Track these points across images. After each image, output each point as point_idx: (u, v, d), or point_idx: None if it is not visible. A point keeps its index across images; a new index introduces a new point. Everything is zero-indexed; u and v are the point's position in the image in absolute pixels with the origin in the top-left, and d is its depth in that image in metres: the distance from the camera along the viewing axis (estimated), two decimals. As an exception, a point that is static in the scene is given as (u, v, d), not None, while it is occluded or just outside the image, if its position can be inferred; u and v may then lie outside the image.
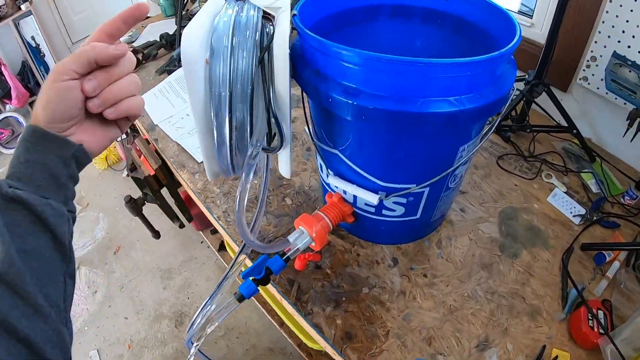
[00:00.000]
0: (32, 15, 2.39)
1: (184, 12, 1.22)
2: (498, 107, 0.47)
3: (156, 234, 1.33)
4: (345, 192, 0.62)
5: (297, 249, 0.59)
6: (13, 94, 2.57)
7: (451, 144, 0.51)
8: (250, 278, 0.57)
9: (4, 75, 2.52)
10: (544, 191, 0.84)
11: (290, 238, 0.61)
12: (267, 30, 0.47)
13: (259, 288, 0.57)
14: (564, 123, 0.89)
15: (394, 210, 0.61)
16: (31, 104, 2.87)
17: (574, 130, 0.88)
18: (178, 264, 1.90)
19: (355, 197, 0.61)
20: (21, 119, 2.71)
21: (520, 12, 1.04)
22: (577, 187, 0.85)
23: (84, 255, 2.05)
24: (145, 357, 1.59)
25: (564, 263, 0.71)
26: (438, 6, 0.63)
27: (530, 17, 1.01)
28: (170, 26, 1.39)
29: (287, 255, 0.58)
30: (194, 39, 0.43)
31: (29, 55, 2.61)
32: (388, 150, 0.52)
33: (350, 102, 0.44)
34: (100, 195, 2.35)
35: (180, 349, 1.61)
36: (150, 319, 1.72)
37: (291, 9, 0.50)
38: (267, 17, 0.48)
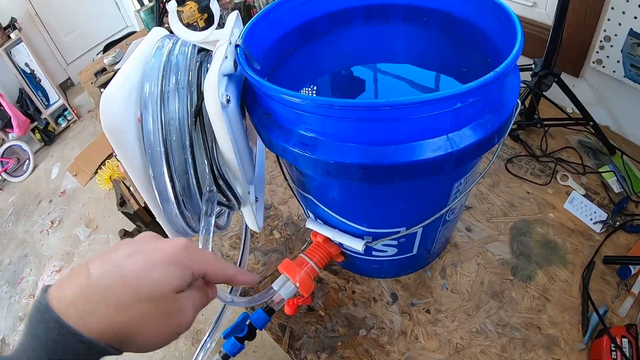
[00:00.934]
0: (22, 43, 2.36)
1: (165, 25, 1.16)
2: (501, 134, 0.38)
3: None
4: (329, 233, 0.56)
5: (282, 299, 0.53)
6: (14, 122, 2.58)
7: (443, 184, 0.43)
8: (234, 337, 0.52)
9: (2, 106, 2.53)
10: (560, 196, 0.75)
11: (275, 286, 0.55)
12: (207, 68, 0.40)
13: (244, 344, 0.52)
14: (577, 112, 0.80)
15: (385, 251, 0.54)
16: (33, 130, 2.88)
17: (591, 123, 0.79)
18: None
19: (340, 240, 0.55)
20: (25, 146, 2.73)
21: (520, -9, 0.93)
22: (596, 187, 0.76)
23: (99, 277, 2.06)
24: (165, 378, 1.58)
25: (584, 282, 0.63)
26: (420, 1, 0.54)
27: (532, -4, 0.90)
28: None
29: (270, 308, 0.53)
30: (117, 102, 0.36)
31: (25, 82, 2.61)
32: (366, 201, 0.44)
33: (307, 154, 0.36)
34: (108, 216, 2.35)
35: (199, 367, 1.60)
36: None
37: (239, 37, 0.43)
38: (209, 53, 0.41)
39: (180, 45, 0.42)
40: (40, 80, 2.75)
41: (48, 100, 2.88)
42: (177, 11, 1.05)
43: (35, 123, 2.84)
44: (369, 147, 0.35)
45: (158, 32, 0.44)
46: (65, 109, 3.01)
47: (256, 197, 0.50)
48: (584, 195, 0.75)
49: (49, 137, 2.95)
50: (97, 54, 1.59)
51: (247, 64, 0.39)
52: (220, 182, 0.41)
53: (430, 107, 0.31)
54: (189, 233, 0.47)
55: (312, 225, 0.56)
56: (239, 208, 0.48)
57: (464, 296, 0.62)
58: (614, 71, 0.79)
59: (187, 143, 0.39)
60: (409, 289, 0.63)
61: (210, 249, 0.43)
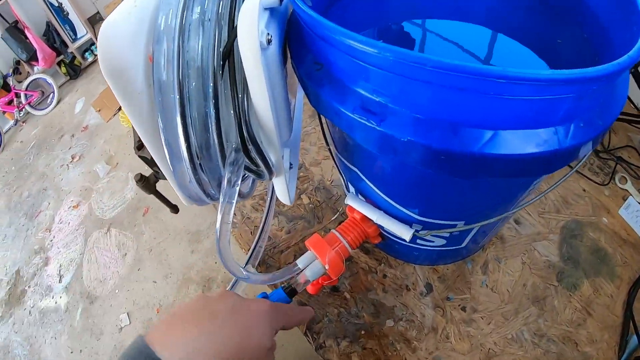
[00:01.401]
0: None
1: None
2: (603, 135, 0.32)
3: (174, 209, 1.28)
4: (369, 213, 0.51)
5: (307, 280, 0.50)
6: (39, 55, 2.54)
7: (523, 184, 0.38)
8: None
9: (28, 38, 2.48)
10: (616, 200, 0.68)
11: (300, 263, 0.51)
12: None
13: None
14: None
15: (433, 242, 0.50)
16: (59, 63, 2.85)
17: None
18: (206, 227, 1.88)
19: (382, 222, 0.50)
20: (49, 80, 2.71)
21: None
22: (658, 195, 0.69)
23: (114, 217, 2.09)
24: (173, 324, 1.63)
25: (629, 301, 0.58)
26: None
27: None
28: None
29: (292, 288, 0.49)
30: (123, 34, 0.29)
31: (52, 14, 2.54)
32: (427, 188, 0.39)
33: (371, 125, 0.29)
34: (128, 154, 2.34)
35: (207, 318, 1.64)
36: (179, 283, 1.75)
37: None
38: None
39: None
40: (67, 13, 2.68)
41: (75, 33, 2.82)
42: None
43: (62, 57, 2.80)
44: (460, 129, 0.28)
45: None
46: (93, 44, 2.96)
47: (290, 164, 0.45)
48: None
49: (74, 71, 2.92)
50: None
51: None
52: (250, 146, 0.35)
53: (555, 89, 0.24)
54: (205, 201, 0.42)
55: (352, 201, 0.51)
56: (270, 178, 0.43)
57: (504, 297, 0.57)
58: None
59: (211, 92, 0.32)
60: (446, 280, 0.59)
61: (231, 219, 0.38)
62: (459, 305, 0.57)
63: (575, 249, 0.62)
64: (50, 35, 2.70)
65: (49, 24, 2.68)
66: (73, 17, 2.75)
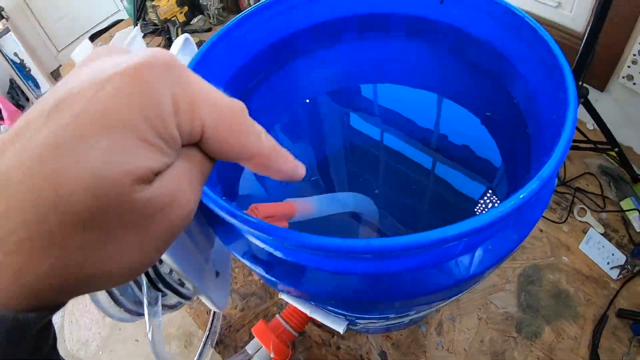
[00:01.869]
0: (10, 32, 2.27)
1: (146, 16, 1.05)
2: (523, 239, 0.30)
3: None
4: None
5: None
6: (4, 114, 2.52)
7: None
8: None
9: (-8, 96, 2.47)
10: (576, 235, 0.66)
11: (249, 349, 0.49)
12: None
13: None
14: (597, 128, 0.70)
15: (375, 323, 0.47)
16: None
17: (616, 149, 0.69)
18: None
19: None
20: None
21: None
22: (616, 223, 0.68)
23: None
24: (160, 381, 1.57)
25: (594, 341, 0.56)
26: (428, 13, 0.43)
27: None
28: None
29: None
30: None
31: (15, 72, 2.52)
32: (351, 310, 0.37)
33: (258, 271, 0.29)
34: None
35: (194, 369, 1.58)
36: (163, 338, 1.69)
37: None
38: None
39: None
40: (30, 69, 2.66)
41: (39, 88, 2.81)
42: (154, 5, 0.96)
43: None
44: (343, 278, 0.27)
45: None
46: (61, 96, 2.93)
47: (217, 272, 0.42)
48: (602, 234, 0.66)
49: (44, 124, 2.89)
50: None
51: None
52: (159, 284, 0.33)
53: (432, 251, 0.22)
54: (127, 319, 0.39)
55: (286, 297, 0.49)
56: (191, 298, 0.40)
57: (461, 357, 0.55)
58: (646, 89, 0.69)
59: None
60: (400, 347, 0.56)
61: (161, 338, 0.36)
62: (416, 374, 0.54)
63: (533, 296, 0.60)
64: (14, 93, 2.68)
65: (12, 82, 2.66)
66: (35, 72, 2.73)
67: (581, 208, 0.69)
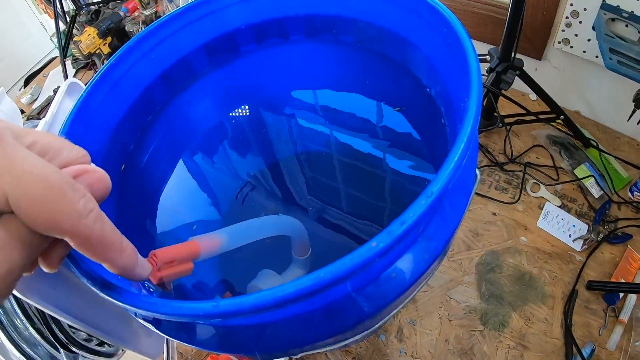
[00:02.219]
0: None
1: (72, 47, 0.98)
2: (446, 249, 0.26)
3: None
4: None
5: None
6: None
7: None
8: None
9: None
10: (533, 212, 0.64)
11: None
12: None
13: None
14: (542, 102, 0.67)
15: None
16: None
17: (561, 117, 0.67)
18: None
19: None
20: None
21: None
22: (573, 192, 0.65)
23: None
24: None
25: (566, 319, 0.53)
26: (323, 8, 0.40)
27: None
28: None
29: None
30: None
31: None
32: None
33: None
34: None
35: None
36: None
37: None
38: None
39: None
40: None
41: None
42: (75, 41, 0.89)
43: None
44: (229, 331, 0.23)
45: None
46: None
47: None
48: (559, 207, 0.64)
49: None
50: (20, 89, 1.40)
51: None
52: (72, 347, 0.29)
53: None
54: None
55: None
56: (117, 356, 0.36)
57: (427, 362, 0.51)
58: (584, 51, 0.66)
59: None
60: (362, 359, 0.52)
61: None
62: (380, 389, 0.50)
63: (495, 284, 0.57)
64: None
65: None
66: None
67: (534, 183, 0.67)
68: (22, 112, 1.27)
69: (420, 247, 0.22)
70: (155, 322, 0.25)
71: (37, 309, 0.29)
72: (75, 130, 0.29)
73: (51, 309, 0.25)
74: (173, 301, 0.17)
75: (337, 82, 0.47)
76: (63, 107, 0.40)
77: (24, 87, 1.39)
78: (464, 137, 0.19)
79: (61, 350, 0.31)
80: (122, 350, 0.38)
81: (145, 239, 0.39)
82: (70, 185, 0.14)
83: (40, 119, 0.29)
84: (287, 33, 0.44)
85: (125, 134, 0.37)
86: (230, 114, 0.50)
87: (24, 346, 0.31)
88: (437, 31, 0.30)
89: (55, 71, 1.22)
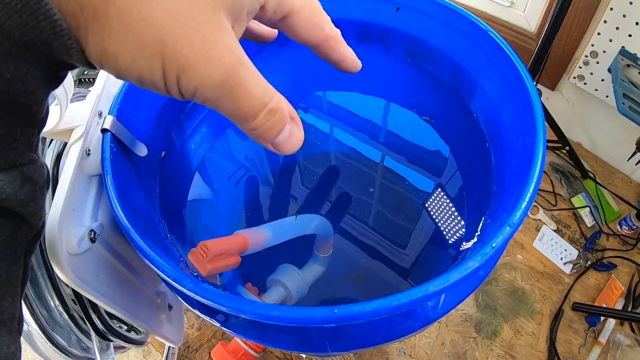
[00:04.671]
0: None
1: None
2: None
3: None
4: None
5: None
6: None
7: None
8: None
9: None
10: (530, 232, 0.68)
11: None
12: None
13: None
14: (550, 130, 0.72)
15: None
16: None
17: (567, 148, 0.71)
18: None
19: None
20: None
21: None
22: (568, 219, 0.70)
23: None
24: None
25: (552, 335, 0.58)
26: (381, 19, 0.42)
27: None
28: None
29: None
30: None
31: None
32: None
33: (214, 323, 0.27)
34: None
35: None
36: None
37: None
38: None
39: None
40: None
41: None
42: None
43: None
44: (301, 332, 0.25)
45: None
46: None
47: (170, 305, 0.39)
48: (554, 231, 0.69)
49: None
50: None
51: (113, 175, 0.25)
52: (108, 335, 0.30)
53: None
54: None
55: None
56: (144, 343, 0.37)
57: (423, 363, 0.55)
58: (596, 89, 0.71)
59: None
60: (363, 356, 0.56)
61: None
62: (379, 382, 0.54)
63: (491, 296, 0.61)
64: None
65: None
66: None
67: (534, 206, 0.71)
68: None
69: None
70: (222, 319, 0.27)
71: (73, 298, 0.30)
72: (125, 106, 0.29)
73: (96, 295, 0.26)
74: (286, 307, 0.19)
75: (368, 87, 0.49)
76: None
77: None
78: (535, 187, 0.22)
79: (93, 338, 0.32)
80: (148, 337, 0.40)
81: (180, 228, 0.40)
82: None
83: (89, 89, 0.30)
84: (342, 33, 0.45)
85: (170, 116, 0.38)
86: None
87: (54, 333, 0.31)
88: (498, 67, 0.33)
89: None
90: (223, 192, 0.52)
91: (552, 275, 0.64)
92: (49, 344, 0.31)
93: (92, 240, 0.24)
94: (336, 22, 0.45)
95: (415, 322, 0.24)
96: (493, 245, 0.19)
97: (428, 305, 0.24)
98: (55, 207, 0.22)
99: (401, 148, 0.50)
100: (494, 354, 0.57)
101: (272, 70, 0.47)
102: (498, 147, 0.36)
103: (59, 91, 0.23)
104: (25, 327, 0.30)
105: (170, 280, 0.20)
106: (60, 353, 0.32)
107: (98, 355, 0.32)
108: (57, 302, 0.30)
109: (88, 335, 0.33)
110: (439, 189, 0.47)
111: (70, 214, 0.23)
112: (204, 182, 0.47)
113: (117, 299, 0.28)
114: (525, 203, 0.21)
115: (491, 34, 0.32)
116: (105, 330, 0.31)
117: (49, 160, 0.30)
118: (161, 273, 0.21)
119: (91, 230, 0.24)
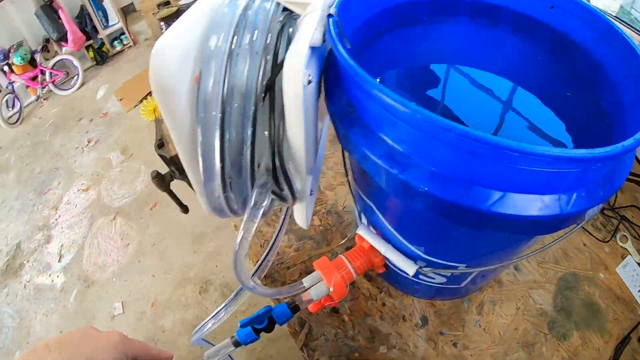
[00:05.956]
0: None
1: None
2: (606, 202, 0.35)
3: (184, 209, 1.31)
4: (377, 244, 0.54)
5: (311, 299, 0.52)
6: (69, 37, 2.61)
7: (525, 239, 0.41)
8: (251, 327, 0.51)
9: (60, 19, 2.56)
10: (615, 257, 0.71)
11: (306, 282, 0.53)
12: (289, 32, 0.35)
13: (260, 336, 0.51)
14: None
15: (434, 279, 0.52)
16: (87, 47, 2.92)
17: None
18: (212, 230, 1.89)
19: (388, 254, 0.53)
20: (76, 62, 2.77)
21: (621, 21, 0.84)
22: (656, 257, 0.72)
23: (121, 206, 2.12)
24: (167, 318, 1.65)
25: (615, 357, 0.60)
26: (535, 12, 0.48)
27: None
28: None
29: (295, 305, 0.52)
30: (173, 55, 0.31)
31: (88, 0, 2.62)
32: (437, 233, 0.42)
33: (393, 172, 0.33)
34: (144, 148, 2.38)
35: (201, 316, 1.64)
36: (177, 281, 1.76)
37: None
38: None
39: (262, 0, 0.36)
40: (102, 0, 2.76)
41: (107, 21, 2.90)
42: None
43: (91, 41, 2.88)
44: (473, 187, 0.31)
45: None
46: (123, 33, 3.03)
47: (311, 191, 0.48)
48: (638, 263, 0.71)
49: (102, 57, 2.99)
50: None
51: (340, 41, 0.34)
52: (279, 172, 0.37)
53: (562, 164, 0.28)
54: (227, 214, 0.43)
55: (363, 232, 0.54)
56: (293, 203, 0.45)
57: (495, 339, 0.60)
58: None
59: (251, 115, 0.34)
60: (442, 315, 0.62)
61: (251, 236, 0.40)
62: (451, 341, 0.59)
63: (569, 301, 0.64)
64: (82, 19, 2.78)
65: (83, 8, 2.76)
66: (107, 4, 2.83)
67: (623, 235, 0.73)
68: (167, 2, 1.40)
69: (602, 184, 0.32)
70: (404, 167, 0.33)
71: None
72: (341, 13, 0.36)
73: (299, 129, 0.35)
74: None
75: (518, 75, 0.55)
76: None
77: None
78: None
79: (257, 181, 0.38)
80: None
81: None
82: (150, 349, 0.39)
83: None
84: (498, 20, 0.50)
85: (360, 37, 0.46)
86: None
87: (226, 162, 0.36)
88: (618, 51, 0.38)
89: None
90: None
91: (627, 302, 0.66)
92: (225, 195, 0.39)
93: (309, 82, 0.33)
94: (494, 9, 0.51)
95: (546, 207, 0.30)
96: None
97: (562, 193, 0.31)
98: (301, 48, 0.32)
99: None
100: (559, 355, 0.60)
101: (429, 39, 0.54)
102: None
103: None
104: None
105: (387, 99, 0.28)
106: (223, 199, 0.39)
107: (249, 208, 0.38)
108: (249, 152, 0.36)
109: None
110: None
111: (307, 59, 0.32)
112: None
113: (307, 136, 0.35)
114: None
115: (623, 36, 0.38)
116: (280, 170, 0.37)
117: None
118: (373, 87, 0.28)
119: (309, 74, 0.32)
